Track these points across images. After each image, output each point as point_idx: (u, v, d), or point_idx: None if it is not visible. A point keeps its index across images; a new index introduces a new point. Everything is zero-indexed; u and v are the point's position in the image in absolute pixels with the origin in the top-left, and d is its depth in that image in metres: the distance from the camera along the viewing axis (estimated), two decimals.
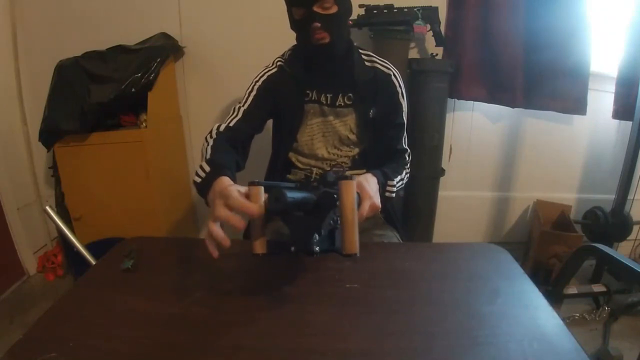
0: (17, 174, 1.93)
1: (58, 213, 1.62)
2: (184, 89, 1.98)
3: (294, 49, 1.10)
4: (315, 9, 0.93)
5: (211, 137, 0.94)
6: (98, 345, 0.64)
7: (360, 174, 0.90)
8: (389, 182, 0.93)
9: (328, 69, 1.03)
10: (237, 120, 1.00)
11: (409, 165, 1.08)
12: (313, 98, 1.06)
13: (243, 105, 1.03)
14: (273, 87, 1.05)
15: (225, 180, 0.74)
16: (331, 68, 1.03)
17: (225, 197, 0.67)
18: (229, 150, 0.92)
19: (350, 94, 1.05)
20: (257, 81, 1.06)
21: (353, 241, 0.58)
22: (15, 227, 1.87)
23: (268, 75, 1.06)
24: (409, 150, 1.10)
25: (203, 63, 1.95)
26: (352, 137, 1.09)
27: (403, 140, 1.10)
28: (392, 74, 1.06)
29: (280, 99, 1.05)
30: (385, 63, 1.08)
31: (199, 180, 0.79)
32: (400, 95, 1.07)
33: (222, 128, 0.97)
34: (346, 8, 0.98)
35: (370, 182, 0.83)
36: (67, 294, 0.80)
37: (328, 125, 1.07)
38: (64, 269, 1.96)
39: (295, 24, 0.99)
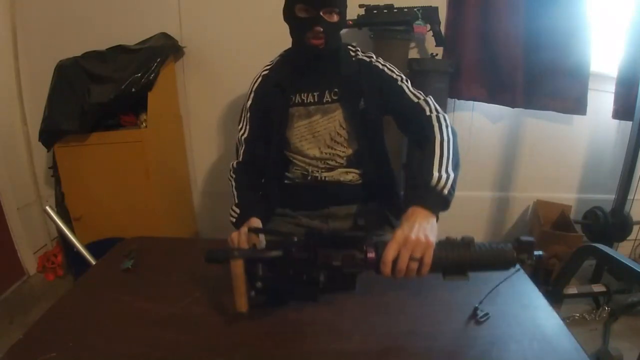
0: (17, 174, 1.93)
1: (58, 213, 1.62)
2: (184, 89, 1.98)
3: (283, 55, 1.14)
4: (322, 13, 0.96)
5: (231, 177, 1.07)
6: (98, 345, 0.64)
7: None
8: (433, 182, 0.76)
9: (315, 68, 1.06)
10: (244, 151, 1.09)
11: (434, 119, 0.92)
12: (297, 101, 1.07)
13: (244, 134, 1.10)
14: (261, 97, 1.09)
15: (253, 222, 0.90)
16: (318, 67, 1.06)
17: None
18: (251, 185, 1.07)
19: (336, 89, 1.06)
20: (247, 100, 1.11)
21: (237, 303, 0.63)
22: (15, 227, 1.87)
23: (254, 91, 1.11)
24: (422, 97, 0.99)
25: (203, 63, 1.95)
26: (343, 132, 1.08)
27: (412, 95, 1.01)
28: (372, 60, 1.08)
29: (268, 107, 1.08)
30: (367, 53, 1.10)
31: (233, 220, 0.95)
32: (387, 70, 1.06)
33: (235, 165, 1.09)
34: (345, 18, 1.03)
35: (404, 226, 0.69)
36: (67, 294, 0.80)
37: (315, 125, 1.08)
38: (64, 269, 1.96)
39: (295, 20, 1.00)
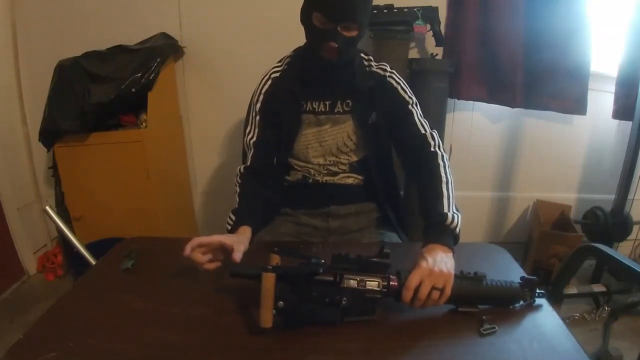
0: (17, 174, 1.93)
1: (58, 213, 1.62)
2: (184, 89, 1.98)
3: (292, 57, 1.09)
4: (340, 28, 0.90)
5: (237, 182, 1.01)
6: (98, 345, 0.64)
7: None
8: (447, 222, 0.82)
9: (328, 78, 1.02)
10: (252, 155, 1.03)
11: (439, 157, 0.95)
12: (308, 109, 1.05)
13: (253, 137, 1.04)
14: (271, 101, 1.05)
15: (240, 230, 0.88)
16: (331, 77, 1.02)
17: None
18: (255, 193, 1.00)
19: (349, 101, 1.04)
20: (255, 103, 1.06)
21: (262, 318, 0.63)
22: (15, 227, 1.87)
23: (264, 94, 1.06)
24: (428, 131, 1.00)
25: (203, 63, 1.95)
26: (350, 144, 1.07)
27: (419, 124, 1.01)
28: (387, 74, 1.05)
29: (278, 111, 1.05)
30: (381, 65, 1.06)
31: (229, 227, 0.92)
32: (400, 89, 1.04)
33: (243, 170, 1.02)
34: (364, 30, 0.96)
35: (427, 259, 0.72)
36: (67, 294, 0.80)
37: (324, 134, 1.06)
38: (64, 269, 1.96)
39: (310, 28, 0.95)
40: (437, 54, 1.85)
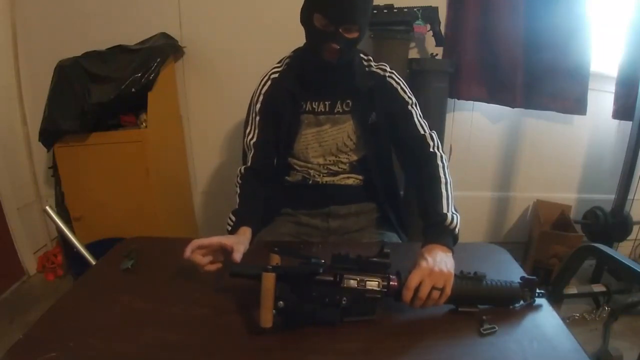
0: (17, 174, 1.93)
1: (58, 213, 1.62)
2: (184, 89, 1.98)
3: (292, 58, 1.09)
4: (341, 30, 0.90)
5: (238, 183, 1.02)
6: (98, 345, 0.64)
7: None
8: (447, 222, 0.82)
9: (328, 78, 1.02)
10: (252, 156, 1.03)
11: (438, 158, 0.95)
12: (308, 109, 1.05)
13: (253, 138, 1.05)
14: (271, 102, 1.05)
15: (241, 231, 0.89)
16: (331, 78, 1.02)
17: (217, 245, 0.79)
18: (255, 193, 1.00)
19: (349, 101, 1.04)
20: (255, 103, 1.06)
21: (262, 318, 0.63)
22: (15, 227, 1.87)
23: (264, 94, 1.06)
24: (427, 131, 1.00)
25: (203, 63, 1.95)
26: (350, 143, 1.08)
27: (419, 125, 1.01)
28: (387, 74, 1.05)
29: (277, 111, 1.05)
30: (381, 65, 1.06)
31: (229, 228, 0.92)
32: (400, 89, 1.04)
33: (243, 170, 1.03)
34: (365, 31, 0.96)
35: (427, 259, 0.72)
36: (67, 294, 0.80)
37: (323, 135, 1.07)
38: (64, 269, 1.96)
39: (311, 29, 0.94)
40: (437, 54, 1.85)
